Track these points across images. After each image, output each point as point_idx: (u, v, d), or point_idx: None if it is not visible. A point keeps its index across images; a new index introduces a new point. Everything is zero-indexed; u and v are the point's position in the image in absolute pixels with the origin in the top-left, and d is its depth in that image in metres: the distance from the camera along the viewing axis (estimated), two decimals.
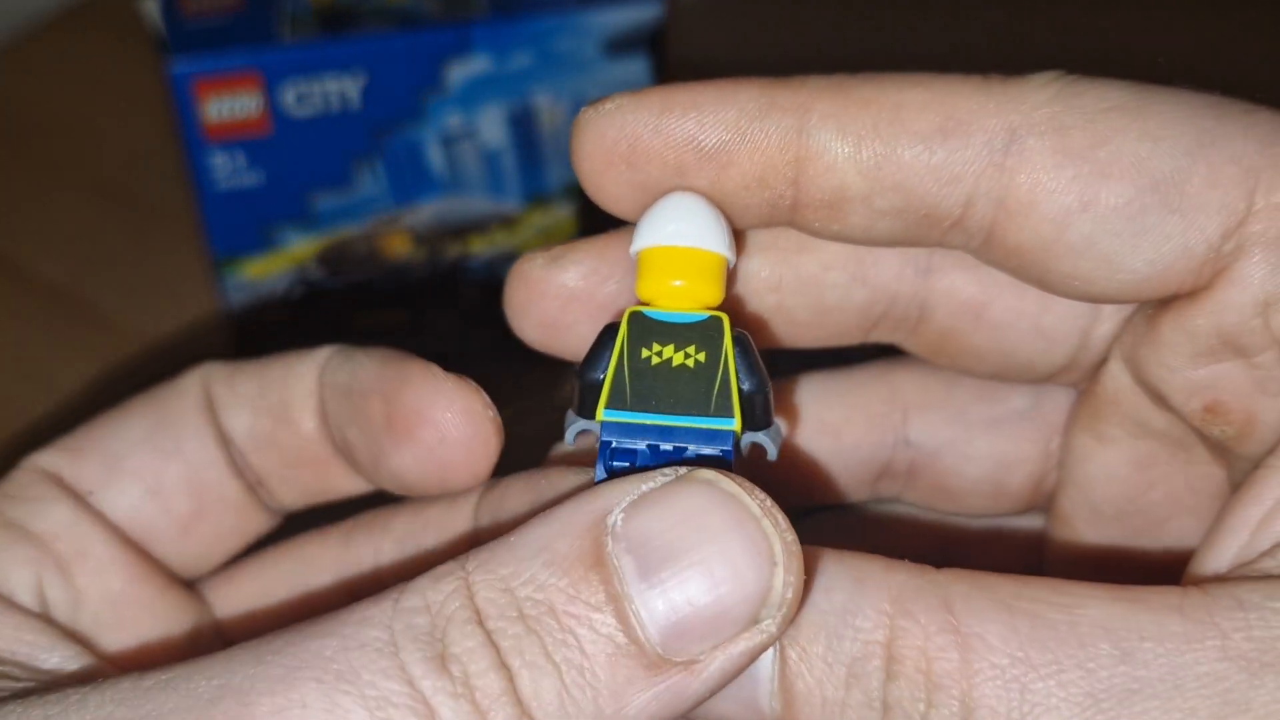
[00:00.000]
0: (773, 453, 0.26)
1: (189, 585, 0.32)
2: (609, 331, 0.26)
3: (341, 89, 0.50)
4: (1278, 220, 0.25)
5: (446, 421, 0.28)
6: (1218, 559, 0.25)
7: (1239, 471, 0.27)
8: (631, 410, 0.25)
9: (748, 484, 0.23)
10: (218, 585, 0.32)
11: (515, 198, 0.55)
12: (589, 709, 0.22)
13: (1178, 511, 0.29)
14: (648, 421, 0.25)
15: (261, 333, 0.55)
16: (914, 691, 0.23)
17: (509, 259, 0.55)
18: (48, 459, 0.30)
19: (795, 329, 0.30)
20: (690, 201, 0.26)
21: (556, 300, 0.28)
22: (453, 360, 0.29)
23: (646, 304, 0.26)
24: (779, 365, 0.29)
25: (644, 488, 0.23)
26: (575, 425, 0.26)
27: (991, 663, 0.22)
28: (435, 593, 0.22)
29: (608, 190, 0.27)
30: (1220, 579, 0.24)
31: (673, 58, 0.52)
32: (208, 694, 0.21)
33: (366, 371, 0.29)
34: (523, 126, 0.53)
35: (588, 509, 0.23)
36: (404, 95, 0.51)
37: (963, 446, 0.32)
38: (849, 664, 0.23)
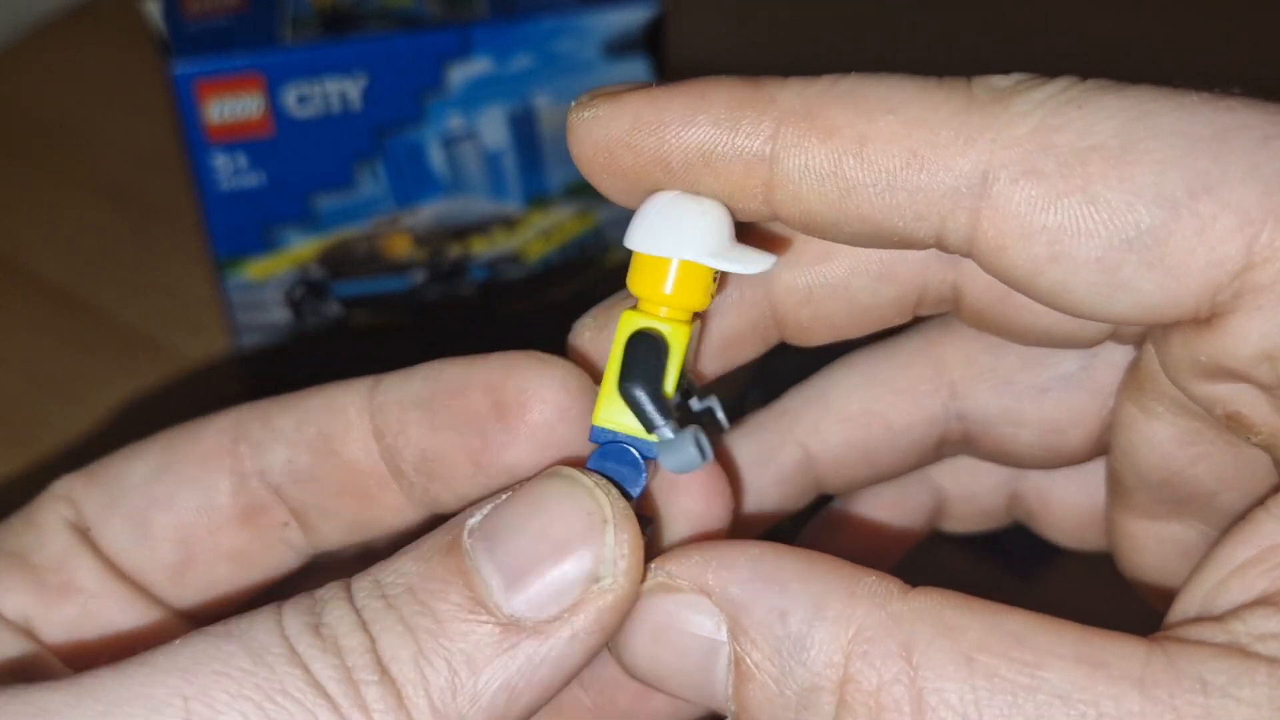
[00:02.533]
0: (669, 465, 0.27)
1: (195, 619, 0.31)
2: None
3: (343, 90, 0.50)
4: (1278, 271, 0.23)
5: (559, 398, 0.28)
6: (1188, 605, 0.24)
7: None
8: (616, 417, 0.27)
9: (590, 474, 0.25)
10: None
11: (516, 199, 0.55)
12: (444, 671, 0.23)
13: (1226, 487, 0.28)
14: (624, 426, 0.27)
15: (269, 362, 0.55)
16: None
17: (510, 260, 0.56)
18: (71, 483, 0.30)
19: (838, 329, 0.30)
20: (672, 206, 0.26)
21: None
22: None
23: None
24: (829, 350, 0.31)
25: (503, 496, 0.25)
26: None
27: None
28: (321, 591, 0.25)
29: (603, 186, 0.27)
30: (1192, 627, 0.23)
31: (672, 57, 0.52)
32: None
33: (452, 374, 0.29)
34: (523, 128, 0.53)
35: (455, 519, 0.25)
36: (405, 97, 0.51)
37: (1013, 416, 0.32)
38: (799, 694, 0.23)
